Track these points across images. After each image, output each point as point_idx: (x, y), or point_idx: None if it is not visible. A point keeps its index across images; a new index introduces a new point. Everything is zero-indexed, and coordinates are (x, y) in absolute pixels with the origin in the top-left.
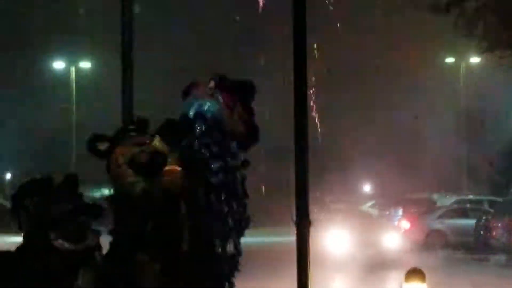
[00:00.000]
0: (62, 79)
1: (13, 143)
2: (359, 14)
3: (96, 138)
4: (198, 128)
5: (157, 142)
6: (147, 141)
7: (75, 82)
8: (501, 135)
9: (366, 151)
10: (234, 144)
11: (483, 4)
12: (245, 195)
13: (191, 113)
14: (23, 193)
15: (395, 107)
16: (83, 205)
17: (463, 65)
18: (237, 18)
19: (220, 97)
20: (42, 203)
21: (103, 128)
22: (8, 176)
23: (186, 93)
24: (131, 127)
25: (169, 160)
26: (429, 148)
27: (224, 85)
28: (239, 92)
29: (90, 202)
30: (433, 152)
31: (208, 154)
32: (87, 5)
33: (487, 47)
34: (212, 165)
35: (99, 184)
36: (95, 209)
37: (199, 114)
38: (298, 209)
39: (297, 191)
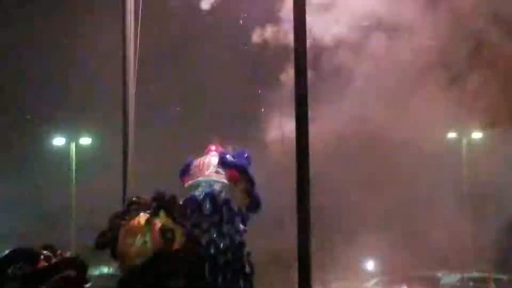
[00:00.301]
0: (61, 155)
1: (12, 222)
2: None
3: (100, 241)
4: (208, 208)
5: (163, 217)
6: (151, 217)
7: (75, 158)
8: (506, 211)
9: (370, 223)
10: (239, 220)
11: (485, 79)
12: (252, 271)
13: (198, 193)
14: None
15: (397, 181)
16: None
17: (465, 140)
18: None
19: (224, 173)
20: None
21: (103, 206)
22: None
23: (185, 171)
24: (134, 206)
25: (177, 237)
26: (433, 223)
27: (226, 159)
28: (239, 164)
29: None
30: (437, 227)
31: (216, 233)
32: (87, 81)
33: (490, 122)
34: (221, 245)
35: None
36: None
37: (209, 194)
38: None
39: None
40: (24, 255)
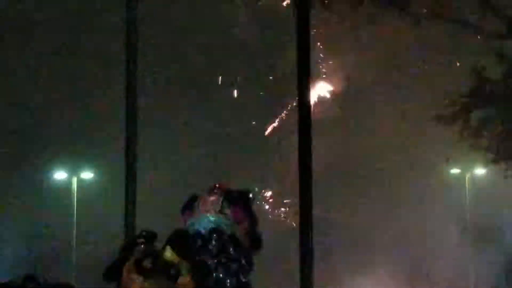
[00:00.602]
0: (63, 190)
1: (13, 251)
2: (363, 116)
3: (108, 273)
4: (214, 244)
5: (168, 253)
6: (156, 251)
7: (76, 193)
8: (507, 247)
9: (373, 255)
10: (244, 258)
11: (488, 115)
12: None
13: (203, 229)
14: None
15: (398, 217)
16: None
17: (468, 176)
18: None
19: (229, 212)
20: None
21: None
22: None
23: (188, 207)
24: (139, 240)
25: (182, 272)
26: (434, 260)
27: (231, 198)
28: (244, 204)
29: None
30: (438, 266)
31: (223, 272)
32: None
33: (493, 159)
34: (228, 283)
35: None
36: None
37: (216, 231)
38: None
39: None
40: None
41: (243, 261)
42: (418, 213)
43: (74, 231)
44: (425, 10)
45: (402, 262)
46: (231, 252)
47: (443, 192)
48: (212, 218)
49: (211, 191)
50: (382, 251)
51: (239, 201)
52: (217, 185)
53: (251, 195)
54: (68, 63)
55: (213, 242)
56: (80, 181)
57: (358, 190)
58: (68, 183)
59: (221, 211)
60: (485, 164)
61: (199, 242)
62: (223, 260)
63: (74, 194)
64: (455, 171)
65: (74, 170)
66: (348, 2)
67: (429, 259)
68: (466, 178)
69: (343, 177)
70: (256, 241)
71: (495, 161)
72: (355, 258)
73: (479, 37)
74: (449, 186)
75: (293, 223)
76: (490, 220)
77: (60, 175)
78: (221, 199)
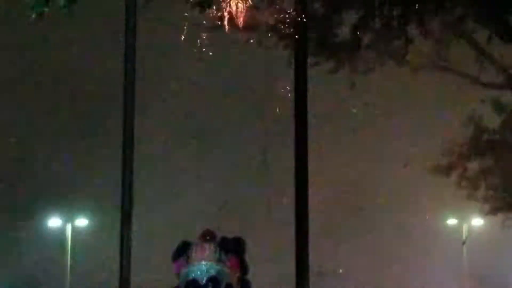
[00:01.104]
0: (57, 237)
1: None
2: (355, 161)
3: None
4: None
5: None
6: None
7: (71, 240)
8: None
9: None
10: None
11: (486, 166)
12: None
13: (204, 278)
14: None
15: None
16: None
17: (465, 226)
18: None
19: (226, 261)
20: None
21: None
22: None
23: (181, 254)
24: None
25: None
26: None
27: (227, 247)
28: (238, 252)
29: None
30: None
31: None
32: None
33: (490, 209)
34: None
35: None
36: None
37: (212, 280)
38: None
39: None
40: None
41: None
42: (415, 266)
43: (68, 277)
44: (424, 59)
45: None
46: None
47: (441, 244)
48: (213, 267)
49: (204, 238)
50: None
51: (236, 249)
52: (209, 232)
53: (242, 242)
54: (63, 109)
55: (207, 281)
56: (74, 228)
57: (354, 241)
58: (63, 230)
59: (220, 259)
60: (483, 214)
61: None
62: None
63: (68, 241)
64: (452, 221)
65: (68, 217)
66: (344, 49)
67: None
68: (464, 229)
69: (339, 229)
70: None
71: (492, 212)
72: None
73: (476, 87)
74: (447, 237)
75: None
76: (488, 271)
77: (54, 222)
78: (218, 247)
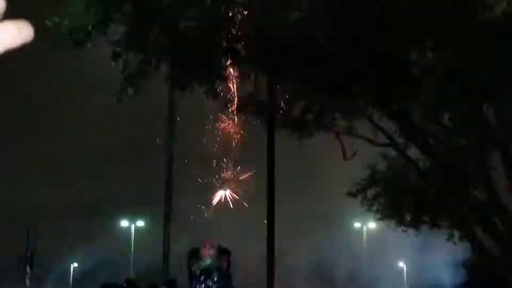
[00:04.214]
0: (125, 233)
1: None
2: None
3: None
4: (216, 275)
5: None
6: None
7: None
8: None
9: None
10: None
11: (376, 192)
12: None
13: (209, 265)
14: None
15: None
16: None
17: (365, 228)
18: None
19: (220, 258)
20: None
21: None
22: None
23: (194, 256)
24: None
25: None
26: None
27: (222, 251)
28: (227, 255)
29: None
30: None
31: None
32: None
33: (380, 218)
34: None
35: None
36: None
37: (217, 268)
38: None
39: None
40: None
41: (225, 282)
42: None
43: (131, 265)
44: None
45: None
46: (221, 278)
47: (351, 238)
48: (212, 261)
49: (209, 245)
50: None
51: (225, 253)
52: (209, 242)
53: (228, 250)
54: None
55: (216, 273)
56: (136, 227)
57: None
58: (129, 229)
59: (218, 257)
60: (377, 221)
61: (207, 273)
62: (222, 285)
63: (132, 236)
64: (358, 224)
65: (132, 219)
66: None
67: None
68: (364, 229)
69: None
70: (229, 276)
71: (382, 219)
72: None
73: (372, 146)
74: (352, 236)
75: None
76: (378, 254)
77: (123, 223)
78: (216, 251)
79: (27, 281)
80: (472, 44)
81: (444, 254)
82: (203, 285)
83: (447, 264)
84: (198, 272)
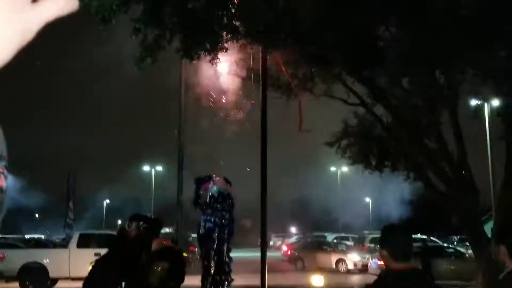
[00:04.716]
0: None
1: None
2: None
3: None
4: (229, 200)
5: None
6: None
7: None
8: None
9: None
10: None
11: (349, 142)
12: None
13: (223, 190)
14: None
15: None
16: None
17: (339, 171)
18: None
19: (228, 186)
20: None
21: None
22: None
23: (207, 181)
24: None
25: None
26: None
27: (227, 181)
28: (230, 183)
29: None
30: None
31: (229, 214)
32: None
33: (353, 163)
34: (228, 216)
35: None
36: None
37: (228, 194)
38: (261, 237)
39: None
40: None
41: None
42: None
43: (152, 201)
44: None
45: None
46: (232, 203)
47: (325, 182)
48: (224, 187)
49: (217, 176)
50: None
51: (229, 182)
52: (215, 175)
53: (229, 180)
54: None
55: (228, 199)
56: (156, 172)
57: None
58: (150, 172)
59: (227, 185)
60: (349, 165)
61: (221, 196)
62: (230, 207)
63: (152, 178)
64: (333, 169)
65: (152, 165)
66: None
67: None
68: (338, 173)
69: None
70: (232, 197)
71: (353, 164)
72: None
73: (346, 105)
74: (328, 178)
75: None
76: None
77: (145, 168)
78: (224, 180)
79: (70, 214)
80: (428, 22)
81: (400, 193)
82: (219, 205)
83: (401, 201)
84: (216, 194)
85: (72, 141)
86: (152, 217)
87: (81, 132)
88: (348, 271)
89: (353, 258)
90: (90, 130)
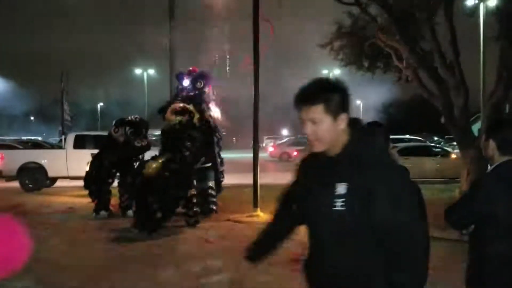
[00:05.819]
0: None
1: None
2: None
3: (159, 110)
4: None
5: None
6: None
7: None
8: None
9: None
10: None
11: (341, 44)
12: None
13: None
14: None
15: None
16: None
17: (331, 73)
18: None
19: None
20: None
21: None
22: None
23: (185, 74)
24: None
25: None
26: None
27: (204, 74)
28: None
29: None
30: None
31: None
32: None
33: (345, 65)
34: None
35: None
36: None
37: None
38: (253, 139)
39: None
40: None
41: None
42: None
43: (146, 100)
44: None
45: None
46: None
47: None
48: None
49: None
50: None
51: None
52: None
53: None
54: None
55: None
56: (148, 74)
57: None
58: (142, 75)
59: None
60: (341, 68)
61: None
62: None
63: (145, 81)
64: (325, 71)
65: (145, 68)
66: None
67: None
68: (330, 74)
69: None
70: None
71: (345, 66)
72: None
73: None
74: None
75: None
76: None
77: (138, 71)
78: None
79: (66, 116)
80: None
81: (391, 94)
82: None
83: (391, 103)
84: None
85: (63, 41)
86: (137, 119)
87: (73, 35)
88: None
89: None
90: (84, 32)
